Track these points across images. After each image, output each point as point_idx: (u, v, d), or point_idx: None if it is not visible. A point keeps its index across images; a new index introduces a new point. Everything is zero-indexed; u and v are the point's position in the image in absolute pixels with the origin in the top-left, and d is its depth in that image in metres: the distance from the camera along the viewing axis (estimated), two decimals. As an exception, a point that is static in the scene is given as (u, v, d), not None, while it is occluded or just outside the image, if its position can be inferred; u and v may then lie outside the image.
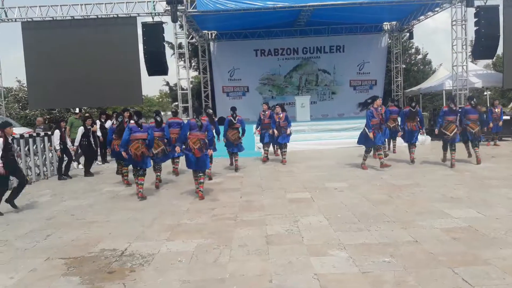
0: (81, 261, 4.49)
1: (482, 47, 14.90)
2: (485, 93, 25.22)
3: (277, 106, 11.30)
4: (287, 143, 11.43)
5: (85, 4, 14.70)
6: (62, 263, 4.47)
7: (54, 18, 14.56)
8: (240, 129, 10.27)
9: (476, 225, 5.06)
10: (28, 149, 10.11)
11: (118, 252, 4.71)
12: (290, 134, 11.35)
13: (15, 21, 14.65)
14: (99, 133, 12.09)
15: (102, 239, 5.21)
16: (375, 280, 3.67)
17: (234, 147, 10.23)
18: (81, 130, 10.75)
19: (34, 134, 10.62)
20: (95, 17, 14.60)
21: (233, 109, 10.42)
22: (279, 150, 11.88)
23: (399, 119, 11.13)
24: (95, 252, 4.75)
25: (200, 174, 7.37)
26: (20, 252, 4.90)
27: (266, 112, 11.33)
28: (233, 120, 10.18)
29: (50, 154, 10.98)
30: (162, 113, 39.72)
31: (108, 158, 12.84)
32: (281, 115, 11.13)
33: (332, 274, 3.84)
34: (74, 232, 5.62)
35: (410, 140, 10.17)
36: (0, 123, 7.06)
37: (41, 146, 10.58)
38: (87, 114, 13.75)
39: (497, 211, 5.67)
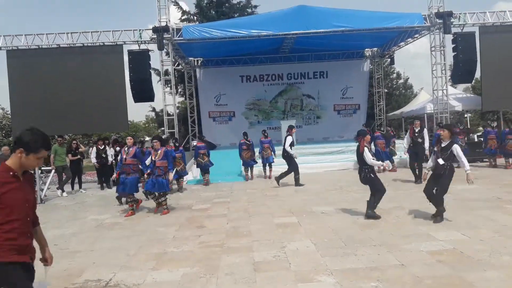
0: (64, 293, 4.39)
1: (461, 72, 15.37)
2: (465, 115, 25.86)
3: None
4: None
5: (71, 33, 14.65)
6: (44, 295, 4.36)
7: (40, 46, 14.56)
8: (251, 148, 13.37)
9: (460, 247, 5.12)
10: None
11: (102, 283, 4.62)
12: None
13: (0, 49, 14.61)
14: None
15: (86, 269, 5.11)
16: (362, 305, 3.67)
17: (249, 162, 13.37)
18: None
19: None
20: (81, 45, 14.65)
21: (245, 134, 13.42)
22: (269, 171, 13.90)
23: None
24: (79, 283, 4.65)
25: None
26: (1, 285, 4.77)
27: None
28: (247, 142, 13.25)
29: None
30: (148, 138, 39.58)
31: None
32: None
33: (319, 301, 3.83)
34: (57, 262, 5.48)
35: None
36: None
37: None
38: (74, 141, 13.75)
39: (480, 233, 5.75)
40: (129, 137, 9.18)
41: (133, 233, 7.01)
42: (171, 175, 8.61)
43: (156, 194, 8.59)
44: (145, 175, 8.94)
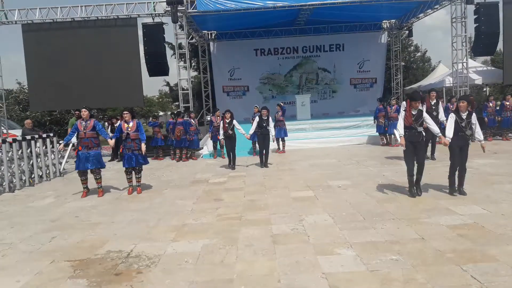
0: (87, 263, 4.48)
1: (482, 44, 14.93)
2: (485, 89, 25.24)
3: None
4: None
5: (85, 6, 14.57)
6: (68, 265, 4.46)
7: (55, 20, 14.52)
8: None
9: (481, 221, 5.06)
10: (30, 151, 10.10)
11: (124, 254, 4.70)
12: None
13: (15, 23, 14.62)
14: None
15: (107, 241, 5.21)
16: (384, 278, 3.66)
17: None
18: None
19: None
20: (95, 18, 14.56)
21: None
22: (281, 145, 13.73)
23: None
24: (101, 254, 4.74)
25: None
26: (26, 255, 4.88)
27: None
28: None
29: (52, 156, 10.98)
30: (162, 113, 39.64)
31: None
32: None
33: (340, 273, 3.83)
34: (79, 234, 5.61)
35: None
36: None
37: (43, 148, 10.57)
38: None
39: (502, 207, 5.67)
40: (83, 109, 8.11)
41: (151, 205, 7.10)
42: (143, 147, 8.11)
43: (137, 169, 8.22)
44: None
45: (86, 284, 3.95)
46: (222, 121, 10.78)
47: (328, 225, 5.32)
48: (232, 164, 10.74)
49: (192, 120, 13.29)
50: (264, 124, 10.61)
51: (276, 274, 3.90)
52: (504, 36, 14.68)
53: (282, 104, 14.28)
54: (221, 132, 10.74)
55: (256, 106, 13.51)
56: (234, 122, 10.67)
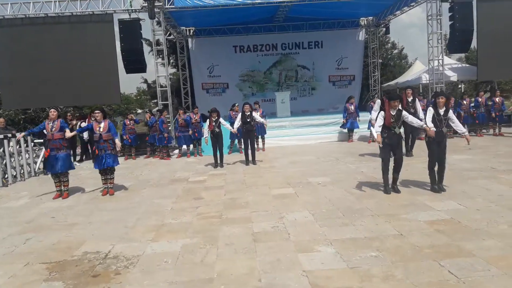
0: (63, 265, 4.38)
1: (457, 41, 15.21)
2: (460, 86, 25.82)
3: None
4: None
5: (59, 1, 14.15)
6: (43, 268, 4.35)
7: (27, 15, 14.10)
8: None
9: (458, 216, 5.16)
10: (3, 151, 9.81)
11: (101, 255, 4.61)
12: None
13: (-14, 18, 14.14)
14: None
15: (84, 242, 5.10)
16: (363, 274, 3.69)
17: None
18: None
19: None
20: (70, 14, 14.19)
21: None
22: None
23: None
24: (78, 256, 4.64)
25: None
26: (-1, 257, 4.74)
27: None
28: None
29: (27, 155, 10.69)
30: (140, 111, 39.01)
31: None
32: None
33: (320, 271, 3.85)
34: (55, 235, 5.48)
35: None
36: None
37: (17, 147, 10.28)
38: (68, 113, 13.65)
39: (477, 202, 5.80)
40: (52, 110, 7.85)
41: (130, 205, 6.99)
42: (118, 142, 7.91)
43: (108, 170, 7.93)
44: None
45: (62, 287, 3.86)
46: (208, 120, 10.53)
47: (308, 222, 5.34)
48: (220, 162, 10.56)
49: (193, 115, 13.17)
50: (248, 120, 10.54)
51: (256, 272, 3.89)
52: (478, 33, 15.01)
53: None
54: (206, 130, 10.57)
55: (236, 105, 13.49)
56: (220, 119, 10.54)
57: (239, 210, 6.18)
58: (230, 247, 4.61)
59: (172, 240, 4.98)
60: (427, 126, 6.42)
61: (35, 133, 8.21)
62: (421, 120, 9.35)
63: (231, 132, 10.92)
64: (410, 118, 6.64)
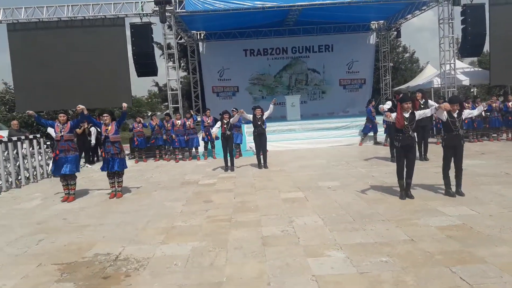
0: (74, 267, 4.41)
1: (469, 45, 15.10)
2: (472, 90, 25.57)
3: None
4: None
5: (71, 5, 14.39)
6: (55, 269, 4.39)
7: (40, 19, 14.33)
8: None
9: (470, 222, 5.10)
10: (17, 153, 9.94)
11: (112, 257, 4.64)
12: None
13: (1, 23, 14.39)
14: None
15: (95, 244, 5.13)
16: (373, 280, 3.66)
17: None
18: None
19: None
20: (82, 18, 14.41)
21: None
22: None
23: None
24: (89, 257, 4.67)
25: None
26: (11, 258, 4.79)
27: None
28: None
29: (39, 157, 10.83)
30: (150, 113, 39.49)
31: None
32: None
33: (330, 275, 3.82)
34: (66, 236, 5.53)
35: None
36: None
37: (30, 149, 10.42)
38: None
39: (490, 208, 5.72)
40: (60, 114, 7.95)
41: (140, 207, 7.03)
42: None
43: (116, 173, 7.94)
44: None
45: (73, 288, 3.89)
46: (220, 122, 10.50)
47: (318, 227, 5.32)
48: (231, 166, 10.52)
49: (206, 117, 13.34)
50: (259, 123, 10.54)
51: (265, 276, 3.88)
52: (490, 37, 14.88)
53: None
54: (216, 127, 10.49)
55: (234, 109, 12.84)
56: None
57: (248, 213, 6.18)
58: (240, 250, 4.61)
59: (182, 243, 4.99)
60: (439, 105, 6.49)
61: (41, 122, 8.29)
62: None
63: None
64: (420, 112, 6.65)
